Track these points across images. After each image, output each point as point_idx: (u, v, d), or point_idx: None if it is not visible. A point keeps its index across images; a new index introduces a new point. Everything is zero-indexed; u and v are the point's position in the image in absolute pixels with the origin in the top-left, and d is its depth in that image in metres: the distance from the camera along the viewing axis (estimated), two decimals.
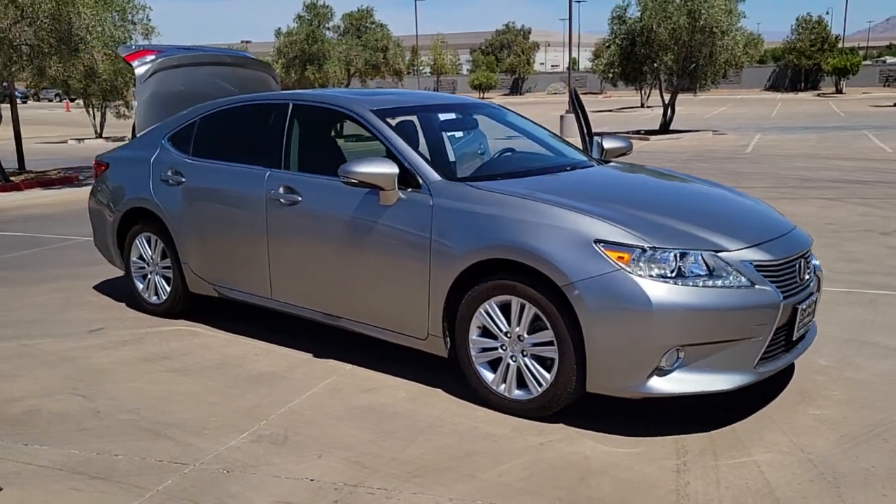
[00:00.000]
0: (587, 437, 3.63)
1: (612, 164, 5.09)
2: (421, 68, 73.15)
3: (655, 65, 23.71)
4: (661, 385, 3.50)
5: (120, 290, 6.36)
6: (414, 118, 4.77)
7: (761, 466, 3.32)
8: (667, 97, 24.06)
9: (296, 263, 4.71)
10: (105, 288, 6.53)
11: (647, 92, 36.51)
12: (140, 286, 5.75)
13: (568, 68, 33.07)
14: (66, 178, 14.62)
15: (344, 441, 3.65)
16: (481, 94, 59.89)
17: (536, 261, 3.62)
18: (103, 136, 23.73)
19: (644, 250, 3.50)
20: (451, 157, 4.95)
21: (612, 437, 3.62)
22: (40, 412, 4.05)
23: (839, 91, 50.41)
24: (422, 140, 4.74)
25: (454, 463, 3.42)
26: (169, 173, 5.39)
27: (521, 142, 5.28)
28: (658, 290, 3.43)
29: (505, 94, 63.76)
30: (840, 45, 55.42)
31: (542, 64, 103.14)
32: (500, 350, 3.88)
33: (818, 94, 50.96)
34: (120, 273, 6.09)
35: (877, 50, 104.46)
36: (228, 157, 5.19)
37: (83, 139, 23.84)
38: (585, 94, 58.12)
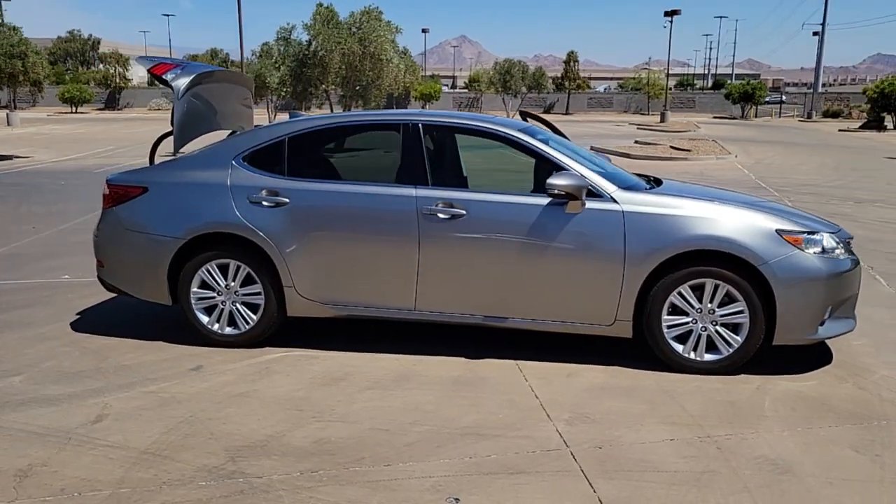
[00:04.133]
0: (772, 379, 4.83)
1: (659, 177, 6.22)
2: None
3: (323, 86, 25.01)
4: (822, 332, 4.87)
5: (110, 327, 5.69)
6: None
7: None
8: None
9: (454, 273, 5.04)
10: (93, 327, 5.73)
11: (275, 111, 37.52)
12: (205, 319, 5.33)
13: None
14: None
15: (631, 411, 4.34)
16: (74, 109, 54.78)
17: (737, 249, 4.73)
18: None
19: (809, 234, 4.84)
20: None
21: (786, 377, 4.87)
22: (330, 440, 3.94)
23: None
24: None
25: (733, 410, 4.37)
26: (263, 194, 5.18)
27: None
28: (823, 263, 4.80)
29: (100, 109, 59.10)
30: (424, 74, 62.56)
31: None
32: (691, 324, 4.87)
33: None
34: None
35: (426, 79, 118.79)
36: (344, 176, 5.25)
37: None
38: None
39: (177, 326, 5.67)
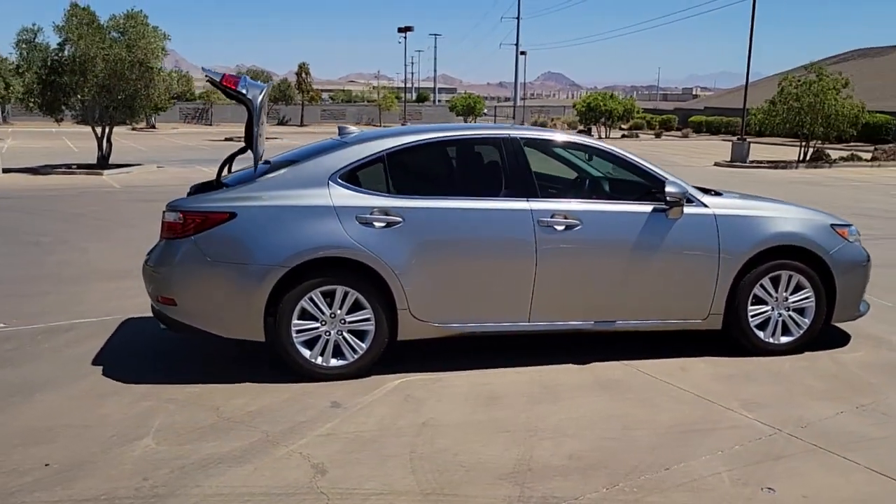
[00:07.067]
0: (832, 353, 5.60)
1: None
2: None
3: (79, 96, 22.57)
4: (862, 310, 5.76)
5: (167, 375, 5.02)
6: None
7: None
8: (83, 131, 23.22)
9: (569, 282, 5.18)
10: (146, 377, 4.95)
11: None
12: (307, 353, 4.89)
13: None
14: None
15: (775, 393, 4.82)
16: None
17: (809, 243, 5.44)
18: None
19: (848, 227, 5.70)
20: None
21: (838, 350, 5.67)
22: (578, 456, 3.92)
23: (152, 126, 53.34)
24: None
25: (841, 381, 5.05)
26: (375, 214, 4.89)
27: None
28: (860, 251, 5.69)
29: None
30: None
31: None
32: (770, 311, 5.50)
33: (132, 129, 51.87)
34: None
35: None
36: (447, 191, 5.16)
37: None
38: None
39: (233, 363, 5.21)
